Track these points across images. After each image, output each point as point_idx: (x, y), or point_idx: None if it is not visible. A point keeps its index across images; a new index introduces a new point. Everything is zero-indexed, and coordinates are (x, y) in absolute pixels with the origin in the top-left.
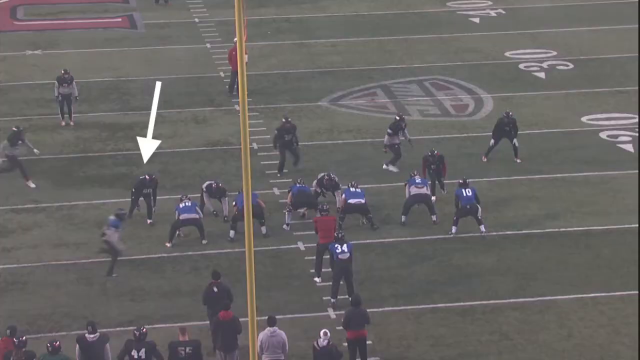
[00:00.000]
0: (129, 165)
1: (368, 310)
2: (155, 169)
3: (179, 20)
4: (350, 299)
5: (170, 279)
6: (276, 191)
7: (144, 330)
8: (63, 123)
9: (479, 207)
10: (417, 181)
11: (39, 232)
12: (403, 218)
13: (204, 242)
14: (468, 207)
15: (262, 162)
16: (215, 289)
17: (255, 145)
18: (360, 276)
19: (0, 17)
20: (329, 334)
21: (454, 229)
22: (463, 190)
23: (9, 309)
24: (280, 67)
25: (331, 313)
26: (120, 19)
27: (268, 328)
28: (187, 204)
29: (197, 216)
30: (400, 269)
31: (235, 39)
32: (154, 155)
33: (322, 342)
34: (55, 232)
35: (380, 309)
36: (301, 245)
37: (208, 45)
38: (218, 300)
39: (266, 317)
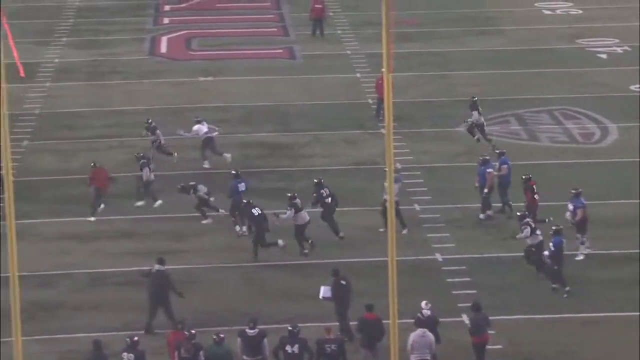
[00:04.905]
0: (286, 181)
1: (500, 317)
2: (311, 185)
3: (333, 52)
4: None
5: (319, 283)
6: (417, 207)
7: (298, 328)
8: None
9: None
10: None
11: (210, 238)
12: None
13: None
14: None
15: (404, 181)
16: (343, 282)
17: (398, 165)
18: (493, 288)
19: (178, 47)
20: (429, 304)
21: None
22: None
23: (180, 305)
24: (423, 95)
25: (465, 319)
26: (281, 50)
27: (419, 329)
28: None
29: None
30: (529, 282)
31: (383, 70)
32: (310, 172)
33: (426, 312)
34: (223, 238)
35: (511, 317)
36: (439, 257)
37: (358, 75)
38: (345, 294)
39: (407, 320)
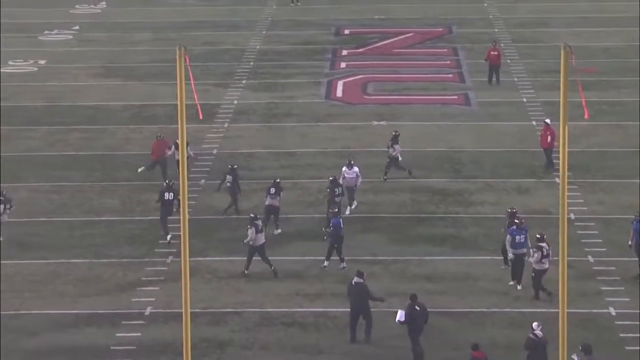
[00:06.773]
0: (456, 227)
1: None
2: (481, 232)
3: (509, 100)
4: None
5: (490, 332)
6: (590, 258)
7: None
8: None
9: None
10: None
11: (375, 283)
12: None
13: None
14: None
15: (578, 232)
16: (417, 308)
17: (572, 216)
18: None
19: (353, 92)
20: (540, 324)
21: None
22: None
23: (345, 348)
24: (599, 145)
25: None
26: (456, 97)
27: None
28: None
29: None
30: None
31: (547, 120)
32: (479, 219)
33: (539, 332)
34: (389, 283)
35: None
36: (612, 311)
37: (533, 123)
38: (417, 319)
39: None
